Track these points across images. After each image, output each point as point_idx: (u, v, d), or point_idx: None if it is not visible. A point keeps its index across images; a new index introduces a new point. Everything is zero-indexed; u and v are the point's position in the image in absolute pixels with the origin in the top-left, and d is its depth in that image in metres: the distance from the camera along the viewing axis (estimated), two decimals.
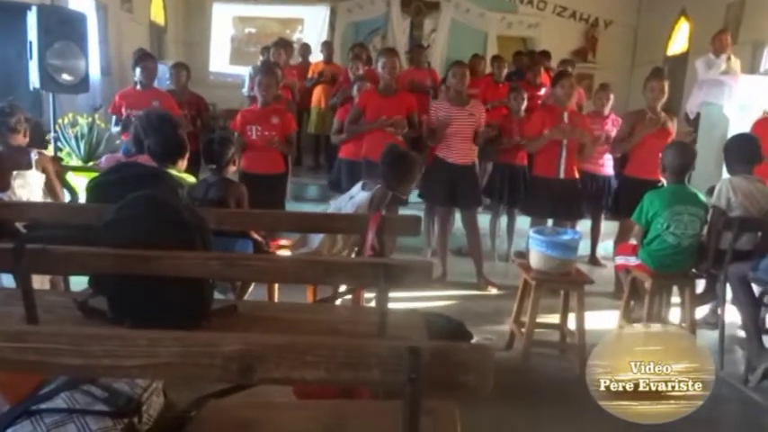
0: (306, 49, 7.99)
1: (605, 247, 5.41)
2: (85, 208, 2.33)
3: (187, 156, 2.97)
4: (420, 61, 6.95)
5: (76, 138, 5.18)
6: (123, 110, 4.68)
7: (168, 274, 1.70)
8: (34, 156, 3.42)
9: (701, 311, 3.98)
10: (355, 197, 3.30)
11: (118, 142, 5.01)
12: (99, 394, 1.29)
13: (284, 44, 6.79)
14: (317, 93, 7.26)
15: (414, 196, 4.91)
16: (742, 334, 3.46)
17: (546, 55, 7.46)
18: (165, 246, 1.72)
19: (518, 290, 3.54)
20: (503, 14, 10.20)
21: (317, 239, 3.32)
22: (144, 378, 1.29)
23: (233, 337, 1.09)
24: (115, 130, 4.90)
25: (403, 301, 3.92)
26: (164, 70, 6.11)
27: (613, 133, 4.99)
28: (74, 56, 4.50)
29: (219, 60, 9.92)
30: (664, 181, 3.90)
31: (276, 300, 3.40)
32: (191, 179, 3.14)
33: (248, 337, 1.10)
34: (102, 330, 1.19)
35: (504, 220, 5.51)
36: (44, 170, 3.46)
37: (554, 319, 3.60)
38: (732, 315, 3.51)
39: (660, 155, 3.65)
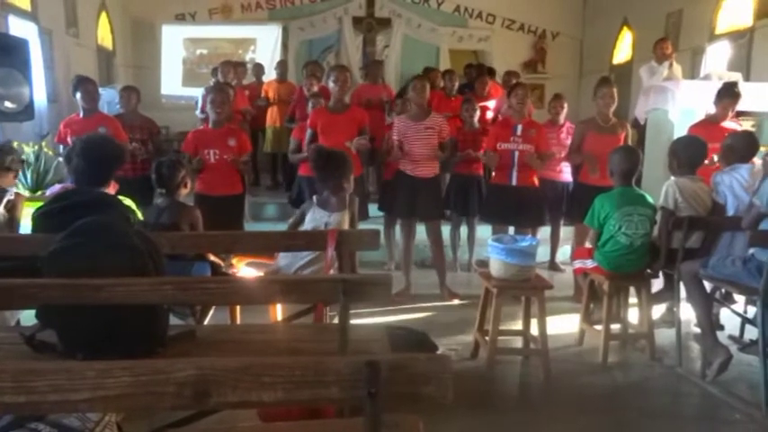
0: (259, 68, 7.96)
1: (564, 252, 5.52)
2: (31, 238, 2.25)
3: (111, 184, 2.78)
4: (376, 77, 6.99)
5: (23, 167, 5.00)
6: (69, 138, 4.55)
7: (120, 302, 1.65)
8: (10, 196, 3.22)
9: (659, 310, 4.08)
10: (330, 222, 3.29)
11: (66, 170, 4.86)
12: None
13: (232, 64, 6.74)
14: (272, 112, 7.24)
15: (374, 210, 4.93)
16: (698, 330, 3.55)
17: (491, 72, 7.61)
18: (114, 273, 1.67)
19: (480, 299, 3.57)
20: (453, 29, 10.40)
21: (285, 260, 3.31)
22: (94, 411, 1.25)
23: (186, 363, 1.06)
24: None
25: (368, 315, 3.91)
26: (113, 94, 5.98)
27: (568, 142, 5.12)
28: (16, 83, 4.35)
29: (171, 83, 9.77)
30: None
31: (239, 321, 3.34)
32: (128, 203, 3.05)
33: (201, 361, 1.07)
34: (47, 364, 1.13)
35: (464, 230, 5.56)
36: (13, 208, 3.26)
37: (517, 325, 3.64)
38: (688, 312, 3.62)
39: None
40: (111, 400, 1.04)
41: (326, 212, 3.31)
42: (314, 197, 3.47)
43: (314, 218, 3.30)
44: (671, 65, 6.29)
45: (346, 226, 3.29)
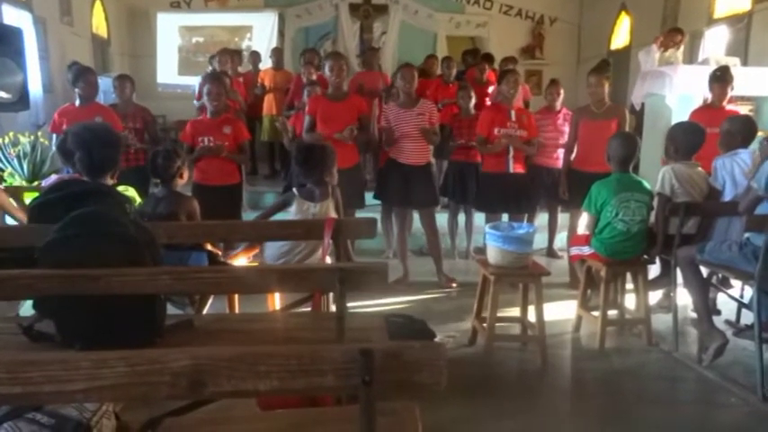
0: (256, 57, 7.91)
1: (561, 238, 5.52)
2: (28, 229, 2.24)
3: (116, 173, 2.77)
4: (372, 64, 6.96)
5: (19, 157, 4.97)
6: (64, 128, 4.51)
7: (117, 292, 1.66)
8: None
9: (655, 296, 4.10)
10: (316, 212, 3.31)
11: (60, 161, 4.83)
12: (45, 422, 1.24)
13: (230, 52, 6.69)
14: (269, 100, 7.20)
15: (370, 198, 4.92)
16: (694, 315, 3.57)
17: (489, 58, 7.58)
18: (111, 263, 1.67)
19: (478, 286, 3.58)
20: (450, 15, 10.34)
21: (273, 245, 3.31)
22: (90, 401, 1.25)
23: (181, 353, 1.06)
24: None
25: (367, 303, 3.92)
26: (108, 83, 5.94)
27: (565, 128, 5.11)
28: (11, 72, 4.32)
29: (167, 71, 9.72)
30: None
31: (237, 311, 3.35)
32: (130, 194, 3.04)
33: (196, 351, 1.07)
34: (42, 355, 1.14)
35: (462, 217, 5.56)
36: None
37: (515, 312, 3.66)
38: (684, 298, 3.63)
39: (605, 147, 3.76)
40: (106, 390, 1.04)
41: (312, 203, 3.32)
42: (294, 189, 3.48)
43: (300, 209, 3.30)
44: (677, 48, 6.26)
45: (332, 215, 3.30)
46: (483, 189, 4.87)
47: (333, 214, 3.34)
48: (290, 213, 3.39)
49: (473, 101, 5.27)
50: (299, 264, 3.17)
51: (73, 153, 2.50)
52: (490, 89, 6.33)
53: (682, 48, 6.36)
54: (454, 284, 4.65)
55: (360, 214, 4.50)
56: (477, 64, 6.92)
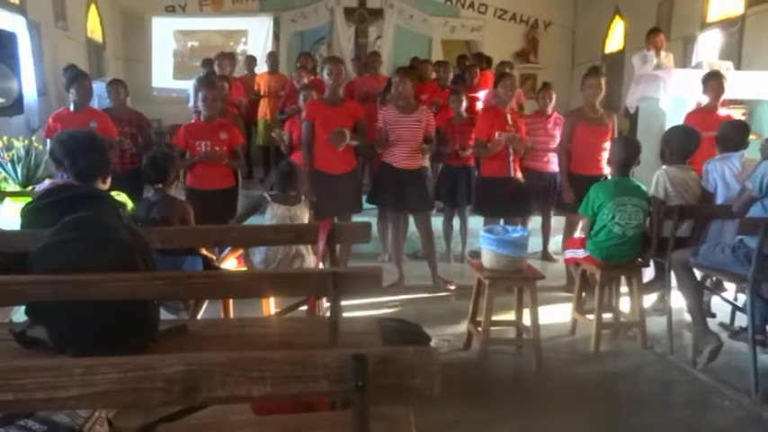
0: (251, 61, 7.91)
1: (556, 241, 5.53)
2: (20, 234, 2.23)
3: (107, 177, 2.74)
4: (375, 68, 6.96)
5: (13, 162, 4.96)
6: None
7: (110, 297, 1.65)
8: None
9: (650, 299, 4.11)
10: (292, 216, 3.37)
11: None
12: (37, 428, 1.24)
13: (228, 56, 6.70)
14: (264, 105, 7.21)
15: (366, 202, 4.93)
16: (689, 318, 3.58)
17: (487, 61, 7.59)
18: (104, 269, 1.67)
19: (473, 290, 3.58)
20: (445, 19, 10.37)
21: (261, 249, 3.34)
22: (82, 408, 1.24)
23: (174, 358, 1.06)
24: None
25: (362, 307, 3.92)
26: (102, 88, 5.93)
27: (556, 132, 5.12)
28: (4, 77, 4.31)
29: (163, 76, 9.72)
30: (608, 173, 4.05)
31: (232, 315, 3.34)
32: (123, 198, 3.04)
33: (189, 357, 1.07)
34: (34, 362, 1.14)
35: (457, 221, 5.57)
36: None
37: (510, 315, 3.66)
38: (679, 301, 3.64)
39: (600, 151, 3.78)
40: (98, 396, 1.03)
41: (287, 207, 3.36)
42: (265, 194, 3.53)
43: (275, 213, 3.34)
44: (658, 53, 6.28)
45: (306, 218, 3.35)
46: (483, 193, 4.85)
47: (306, 218, 3.41)
48: (266, 219, 3.43)
49: (464, 104, 5.28)
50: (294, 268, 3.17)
51: (62, 161, 2.50)
52: (479, 93, 6.35)
53: (669, 55, 6.37)
54: (452, 286, 4.64)
55: (356, 218, 4.51)
56: (469, 67, 6.95)
